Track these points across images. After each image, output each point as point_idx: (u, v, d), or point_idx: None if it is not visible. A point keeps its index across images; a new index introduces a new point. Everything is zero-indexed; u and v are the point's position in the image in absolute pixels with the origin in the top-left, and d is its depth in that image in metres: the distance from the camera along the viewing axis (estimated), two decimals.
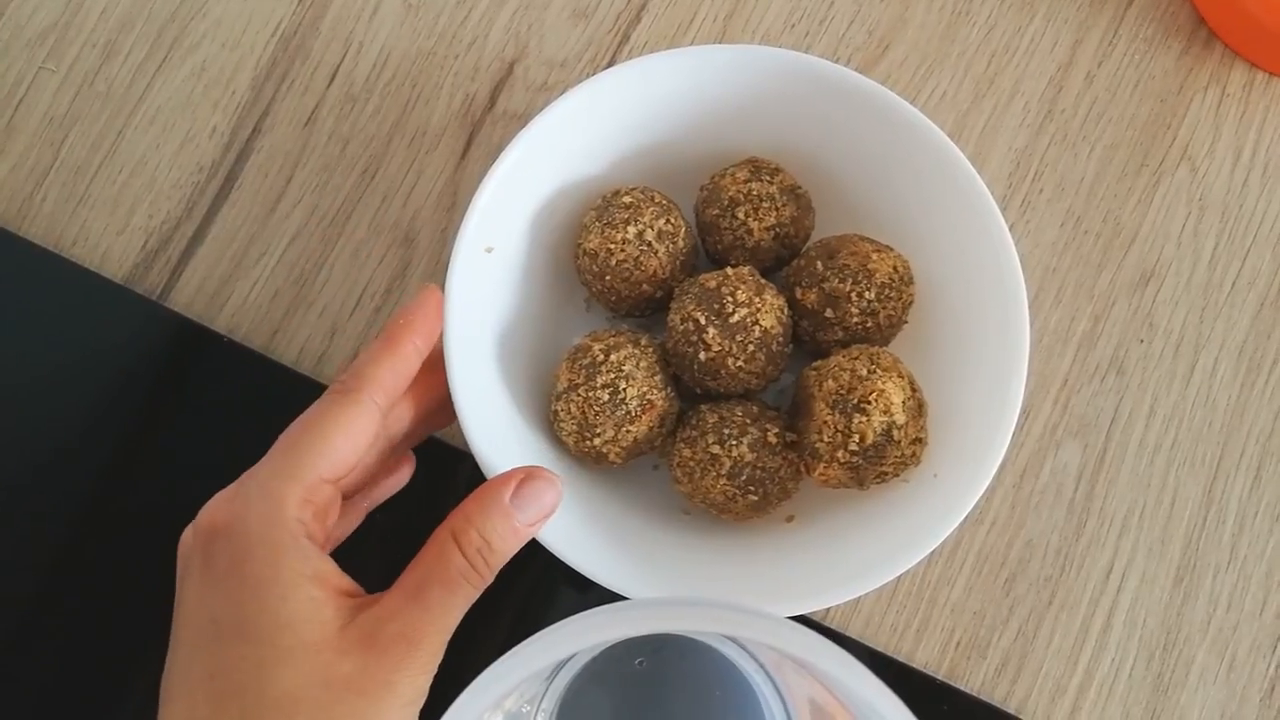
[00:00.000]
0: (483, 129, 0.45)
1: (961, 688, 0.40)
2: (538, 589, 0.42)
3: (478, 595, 0.30)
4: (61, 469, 0.42)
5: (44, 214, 0.44)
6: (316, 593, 0.29)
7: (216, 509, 0.31)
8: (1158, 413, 0.42)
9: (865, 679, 0.23)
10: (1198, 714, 0.40)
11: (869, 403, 0.35)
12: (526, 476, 0.32)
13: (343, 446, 0.31)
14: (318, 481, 0.31)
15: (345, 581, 0.30)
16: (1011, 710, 0.40)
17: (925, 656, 0.41)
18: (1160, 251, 0.44)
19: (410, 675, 0.29)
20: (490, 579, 0.31)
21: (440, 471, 0.41)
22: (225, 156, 0.45)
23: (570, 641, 0.24)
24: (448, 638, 0.30)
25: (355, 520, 0.37)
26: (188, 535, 0.31)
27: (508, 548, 0.31)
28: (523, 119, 0.44)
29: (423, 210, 0.44)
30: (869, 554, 0.36)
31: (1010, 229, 0.41)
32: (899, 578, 0.41)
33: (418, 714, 0.29)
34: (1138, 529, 0.42)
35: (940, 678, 0.41)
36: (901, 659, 0.41)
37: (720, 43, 0.45)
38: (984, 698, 0.40)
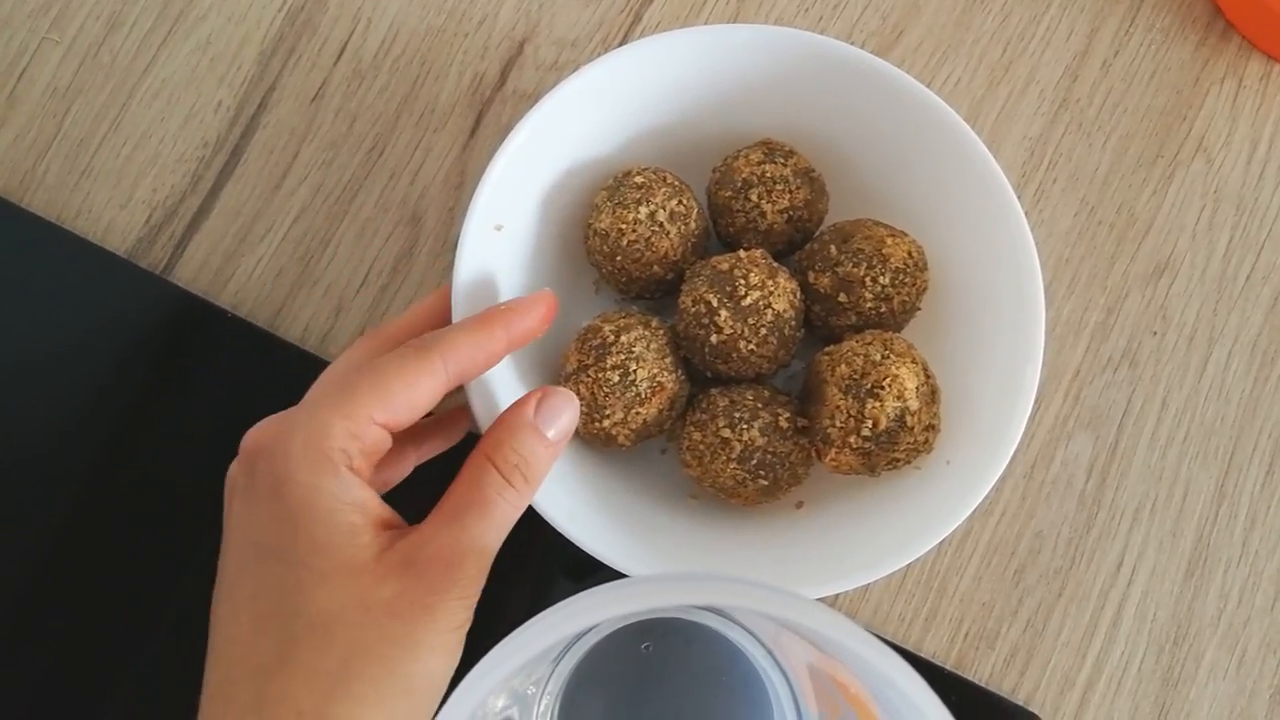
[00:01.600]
0: (492, 108, 0.44)
1: (970, 678, 0.40)
2: (538, 584, 0.42)
3: (516, 516, 0.31)
4: (64, 441, 0.41)
5: (46, 186, 0.43)
6: (355, 519, 0.29)
7: (262, 431, 0.31)
8: (1170, 405, 0.42)
9: (855, 634, 0.22)
10: (1207, 709, 0.40)
11: (882, 388, 0.35)
12: (544, 394, 0.32)
13: (401, 396, 0.30)
14: (367, 420, 0.30)
15: (386, 511, 0.30)
16: (1020, 701, 0.40)
17: (934, 646, 0.41)
18: (1175, 243, 0.43)
19: (449, 599, 0.28)
20: (528, 497, 0.31)
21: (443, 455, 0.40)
22: (231, 132, 0.44)
23: (575, 620, 0.23)
24: (488, 563, 0.30)
25: (403, 470, 0.36)
26: (235, 462, 0.31)
27: (540, 462, 0.31)
28: (533, 98, 0.44)
29: (430, 188, 0.43)
30: (880, 542, 0.36)
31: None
32: (909, 566, 0.41)
33: (461, 642, 0.29)
34: (1149, 522, 0.41)
35: (948, 668, 0.40)
36: (910, 648, 0.40)
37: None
38: (992, 688, 0.40)
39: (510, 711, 0.35)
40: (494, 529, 0.30)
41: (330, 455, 0.29)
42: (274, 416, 0.31)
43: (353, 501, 0.29)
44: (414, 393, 0.31)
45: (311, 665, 0.27)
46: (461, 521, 0.30)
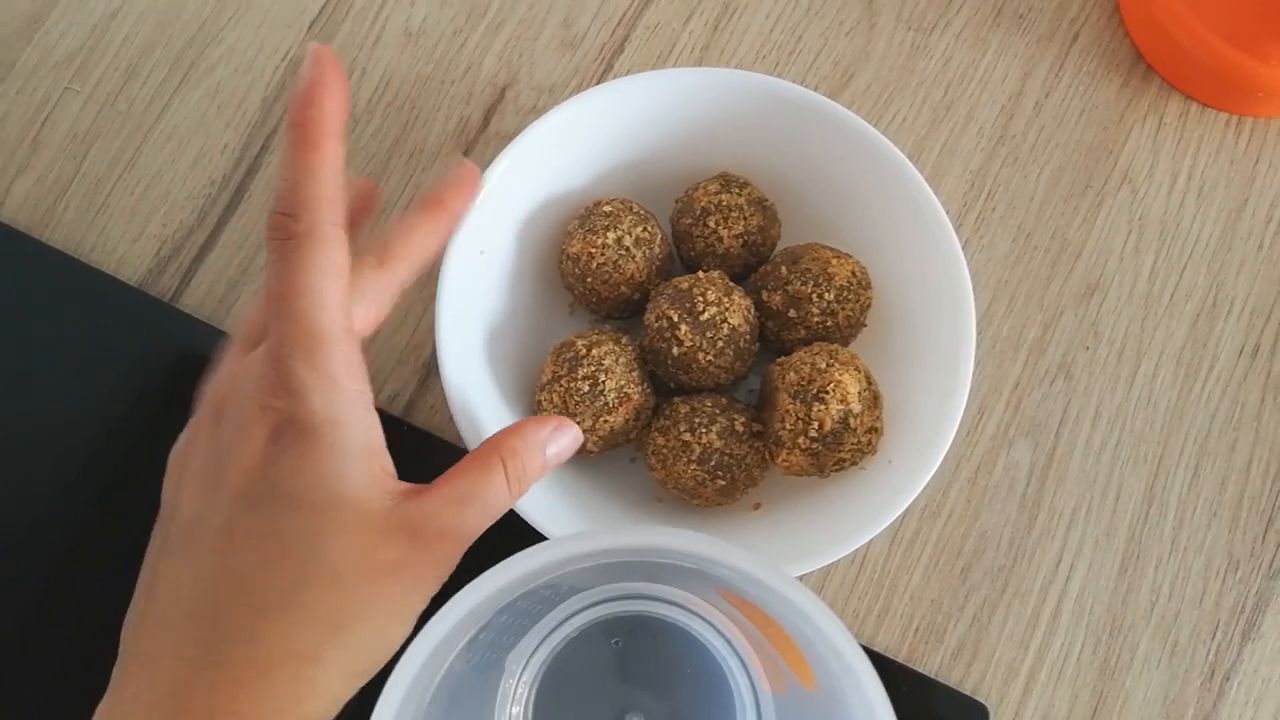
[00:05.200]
0: (476, 148, 0.48)
1: (920, 670, 0.43)
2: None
3: (499, 517, 0.33)
4: (79, 459, 0.44)
5: (66, 222, 0.47)
6: (370, 469, 0.31)
7: (291, 389, 0.31)
8: (1103, 414, 0.45)
9: (758, 566, 0.25)
10: (1142, 696, 0.43)
11: (827, 392, 0.38)
12: (561, 424, 0.36)
13: (339, 303, 0.32)
14: (351, 341, 0.32)
15: (388, 460, 0.32)
16: (967, 691, 0.43)
17: (886, 640, 0.43)
18: (1104, 266, 0.47)
19: (440, 573, 0.31)
20: (514, 503, 0.34)
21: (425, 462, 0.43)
22: (235, 171, 0.48)
23: (530, 561, 0.26)
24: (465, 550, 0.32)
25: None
26: (257, 408, 0.32)
27: (536, 477, 0.35)
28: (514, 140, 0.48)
29: None
30: (829, 532, 0.39)
31: (965, 244, 0.44)
32: (861, 564, 0.44)
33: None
34: (1085, 522, 0.44)
35: (900, 660, 0.43)
36: (863, 643, 0.43)
37: None
38: (941, 679, 0.43)
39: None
40: (486, 521, 0.33)
41: (351, 395, 0.31)
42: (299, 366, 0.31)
43: (365, 447, 0.31)
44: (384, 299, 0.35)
45: (314, 611, 0.29)
46: (466, 508, 0.32)
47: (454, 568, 0.32)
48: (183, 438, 0.35)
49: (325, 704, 0.30)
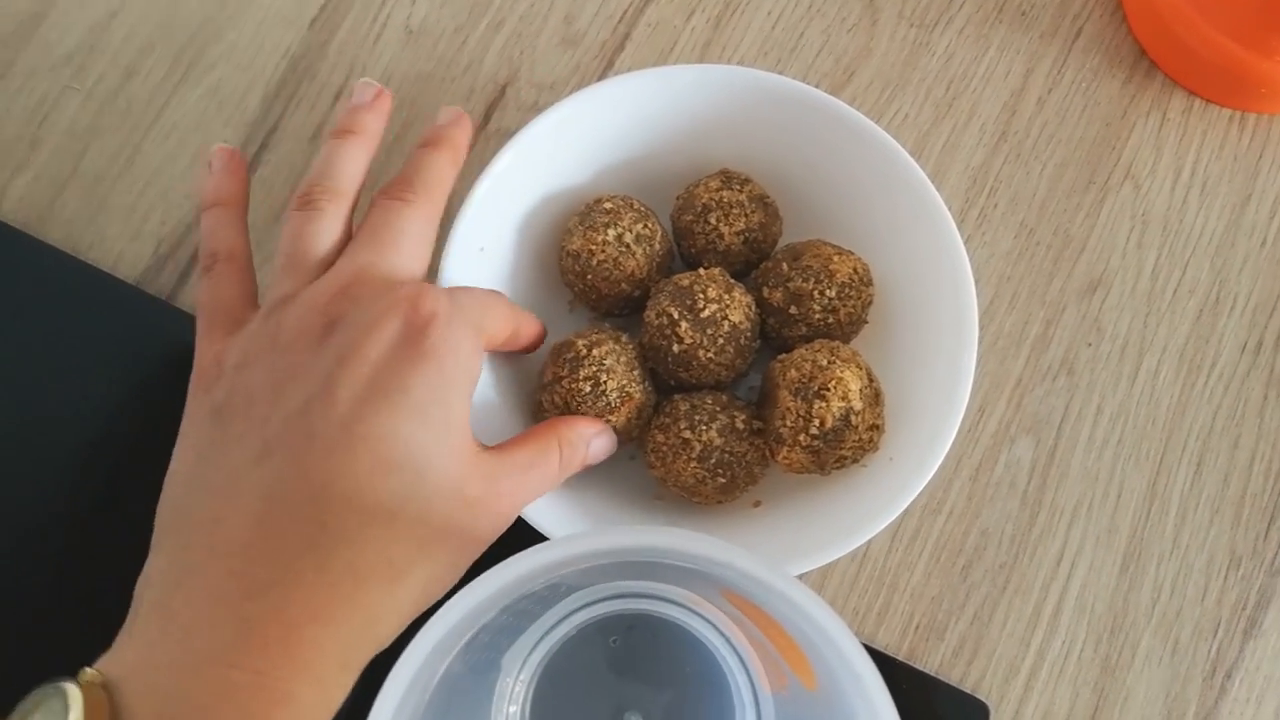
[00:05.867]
0: (476, 145, 0.48)
1: (921, 668, 0.43)
2: None
3: (543, 495, 0.37)
4: (77, 457, 0.44)
5: (64, 220, 0.47)
6: (469, 408, 0.33)
7: (438, 302, 0.33)
8: (1105, 411, 0.45)
9: (758, 566, 0.25)
10: (1143, 694, 0.43)
11: (828, 389, 0.38)
12: (604, 427, 0.39)
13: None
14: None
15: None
16: (968, 689, 0.43)
17: (886, 638, 0.43)
18: (1107, 262, 0.47)
19: (494, 530, 0.33)
20: (556, 487, 0.38)
21: None
22: None
23: (529, 561, 0.26)
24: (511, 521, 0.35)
25: None
26: (390, 306, 0.33)
27: (577, 468, 0.38)
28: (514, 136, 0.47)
29: None
30: (830, 530, 0.39)
31: (967, 240, 0.44)
32: (861, 562, 0.44)
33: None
34: (1086, 519, 0.44)
35: (900, 658, 0.43)
36: (864, 640, 0.43)
37: None
38: (942, 677, 0.43)
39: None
40: (537, 495, 0.36)
41: (480, 351, 0.34)
42: (433, 288, 0.34)
43: (473, 384, 0.34)
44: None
45: (414, 527, 0.30)
46: (529, 473, 0.35)
47: (499, 535, 0.34)
48: (209, 356, 0.36)
49: (393, 628, 0.30)
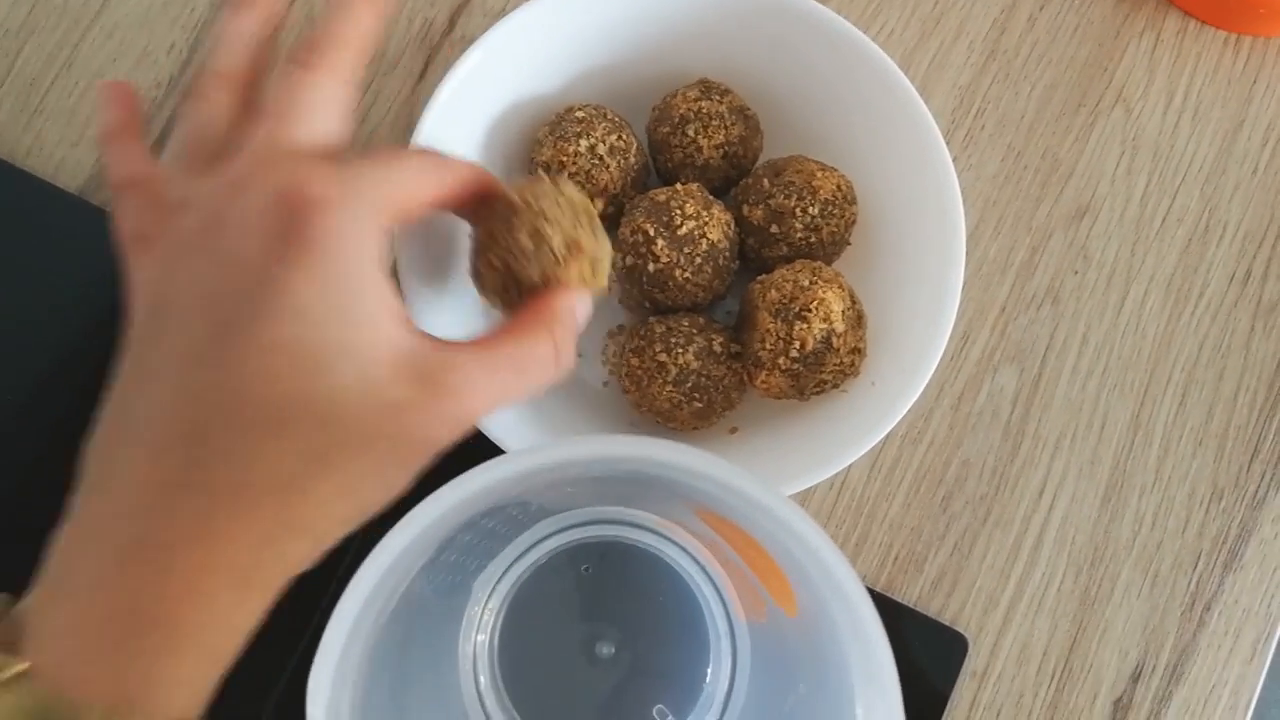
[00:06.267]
0: (440, 53, 0.45)
1: (899, 599, 0.42)
2: None
3: (524, 398, 0.31)
4: (20, 374, 0.42)
5: None
6: (384, 296, 0.29)
7: (324, 184, 0.29)
8: (1090, 340, 0.44)
9: (743, 479, 0.24)
10: (1122, 626, 0.42)
11: (810, 310, 0.37)
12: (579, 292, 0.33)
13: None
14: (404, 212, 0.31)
15: (405, 308, 0.30)
16: (947, 621, 0.42)
17: (864, 569, 0.42)
18: (1095, 188, 0.45)
19: (444, 433, 0.29)
20: (559, 378, 0.32)
21: None
22: (184, 74, 0.45)
23: (493, 472, 0.24)
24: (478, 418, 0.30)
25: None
26: (267, 201, 0.29)
27: (573, 346, 0.32)
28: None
29: (380, 129, 0.45)
30: (807, 457, 0.37)
31: (953, 162, 0.42)
32: (839, 491, 0.42)
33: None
34: (1069, 451, 0.43)
35: (879, 590, 0.42)
36: None
37: None
38: (920, 609, 0.42)
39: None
40: (514, 395, 0.31)
41: (384, 231, 0.29)
42: (320, 168, 0.29)
43: (382, 274, 0.29)
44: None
45: (306, 438, 0.27)
46: (494, 374, 0.30)
47: (461, 436, 0.29)
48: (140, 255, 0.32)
49: (308, 547, 0.28)
